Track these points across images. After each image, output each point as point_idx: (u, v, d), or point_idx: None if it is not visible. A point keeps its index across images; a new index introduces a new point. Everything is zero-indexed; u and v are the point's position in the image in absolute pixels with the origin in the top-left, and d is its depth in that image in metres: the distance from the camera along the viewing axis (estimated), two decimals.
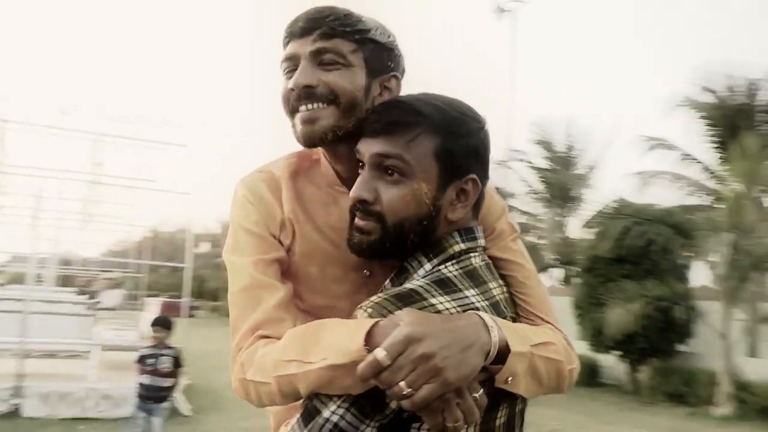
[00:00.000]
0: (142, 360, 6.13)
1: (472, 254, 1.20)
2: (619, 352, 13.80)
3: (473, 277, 1.17)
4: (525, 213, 18.96)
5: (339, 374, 1.02)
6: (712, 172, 14.31)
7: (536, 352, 1.14)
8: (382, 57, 1.27)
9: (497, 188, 1.43)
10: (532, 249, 15.86)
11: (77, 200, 14.48)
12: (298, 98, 1.22)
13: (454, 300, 1.10)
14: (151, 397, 6.05)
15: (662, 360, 13.38)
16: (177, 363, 6.18)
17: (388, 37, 1.29)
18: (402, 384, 0.96)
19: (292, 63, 1.24)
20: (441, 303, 1.09)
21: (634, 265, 13.59)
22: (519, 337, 1.11)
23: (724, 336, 11.90)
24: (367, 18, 1.27)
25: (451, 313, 1.08)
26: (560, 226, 18.78)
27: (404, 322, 1.00)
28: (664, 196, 14.45)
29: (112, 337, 11.16)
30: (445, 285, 1.13)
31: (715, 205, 13.70)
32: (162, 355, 6.11)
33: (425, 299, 1.08)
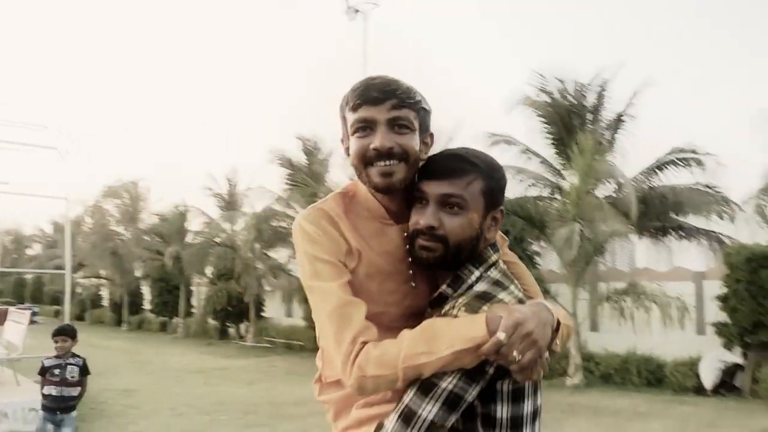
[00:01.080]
0: (46, 371, 6.01)
1: (499, 261, 1.63)
2: None
3: (507, 277, 1.59)
4: None
5: (462, 356, 1.36)
6: (551, 166, 15.11)
7: (562, 321, 1.57)
8: (426, 120, 1.65)
9: None
10: None
11: None
12: (378, 156, 1.55)
13: (509, 294, 1.51)
14: (60, 407, 5.95)
15: None
16: (84, 371, 6.11)
17: (427, 102, 1.65)
18: (514, 353, 1.35)
19: (366, 124, 1.56)
20: (504, 297, 1.50)
21: None
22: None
23: (572, 314, 12.94)
24: (415, 88, 1.62)
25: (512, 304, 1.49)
26: None
27: (506, 312, 1.38)
28: (510, 189, 15.09)
29: None
30: (499, 284, 1.54)
31: (557, 197, 14.76)
32: (69, 364, 6.02)
33: (495, 296, 1.49)
